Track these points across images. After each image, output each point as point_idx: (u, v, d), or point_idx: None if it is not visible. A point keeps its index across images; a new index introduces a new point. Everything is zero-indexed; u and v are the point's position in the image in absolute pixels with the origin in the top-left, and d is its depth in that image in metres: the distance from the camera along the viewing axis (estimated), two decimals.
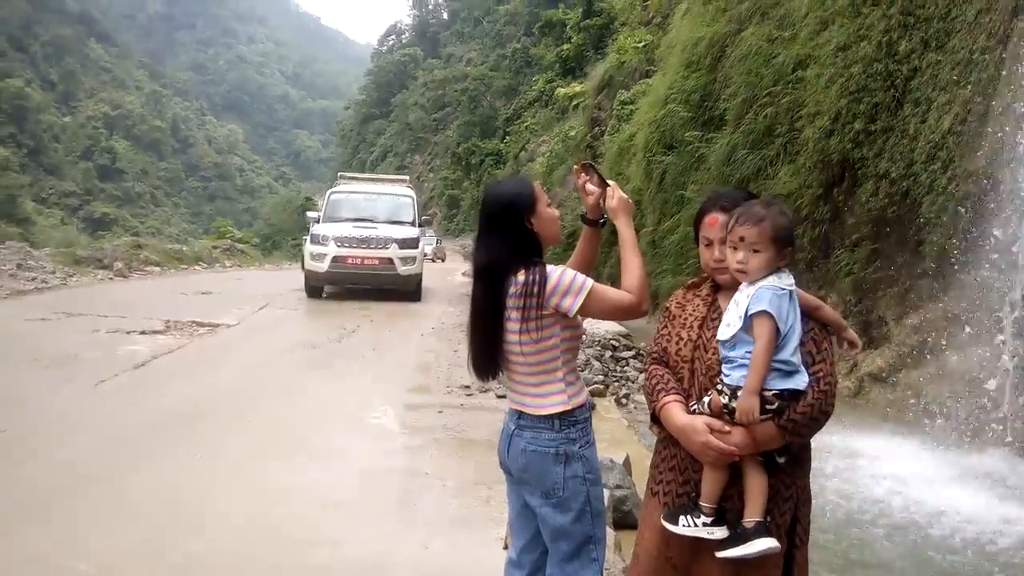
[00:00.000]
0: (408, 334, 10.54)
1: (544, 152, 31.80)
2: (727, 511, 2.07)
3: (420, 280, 13.96)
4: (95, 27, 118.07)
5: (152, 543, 3.81)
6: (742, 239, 2.06)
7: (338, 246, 13.14)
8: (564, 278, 2.31)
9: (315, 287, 13.85)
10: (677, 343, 2.21)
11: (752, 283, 2.06)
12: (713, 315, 2.19)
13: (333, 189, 15.68)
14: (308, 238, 14.11)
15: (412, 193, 15.74)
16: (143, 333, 9.52)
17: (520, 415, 2.42)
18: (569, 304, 2.30)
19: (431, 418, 6.36)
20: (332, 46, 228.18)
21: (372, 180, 18.06)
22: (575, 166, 2.57)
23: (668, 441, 2.21)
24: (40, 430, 5.61)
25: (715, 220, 2.19)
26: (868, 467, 5.54)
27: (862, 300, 7.82)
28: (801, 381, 2.01)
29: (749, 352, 2.02)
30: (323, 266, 13.13)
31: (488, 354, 2.43)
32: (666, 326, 2.28)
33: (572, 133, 25.58)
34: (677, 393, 2.16)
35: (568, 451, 2.35)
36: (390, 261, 13.28)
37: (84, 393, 6.68)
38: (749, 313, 2.02)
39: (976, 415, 6.00)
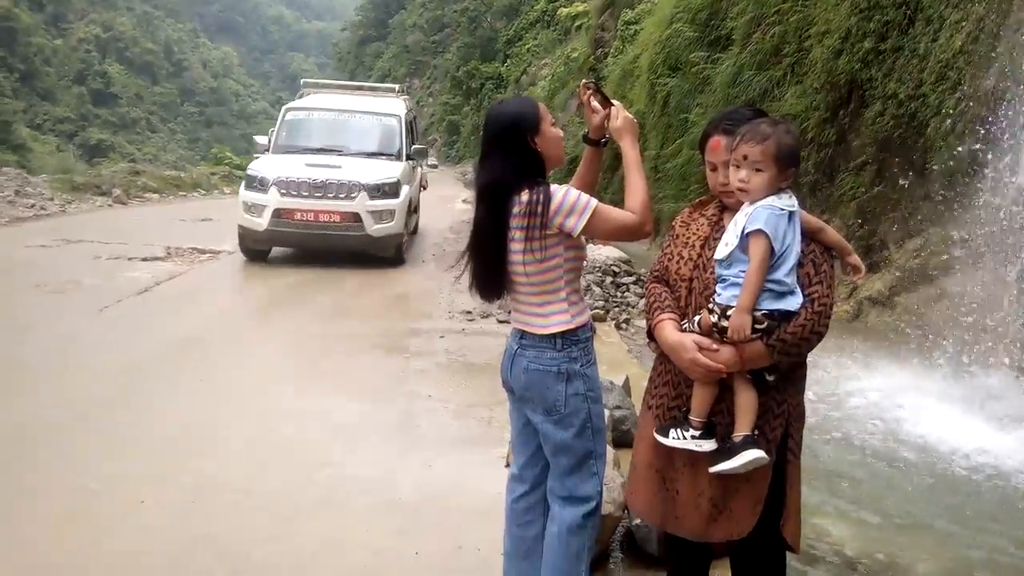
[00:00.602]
0: (410, 261, 10.54)
1: (546, 75, 31.16)
2: (717, 425, 2.11)
3: (402, 240, 10.08)
4: None
5: (162, 464, 3.90)
6: (745, 157, 2.03)
7: (282, 194, 9.25)
8: (568, 197, 2.29)
9: (254, 250, 9.82)
10: (678, 262, 2.22)
11: (753, 202, 2.04)
12: (716, 235, 2.18)
13: (290, 105, 11.43)
14: (244, 179, 10.24)
15: (402, 110, 11.21)
16: (144, 260, 9.52)
17: (523, 335, 2.44)
18: (573, 224, 2.28)
19: (433, 343, 6.42)
20: None
21: (350, 89, 13.32)
22: (580, 85, 2.51)
23: (663, 357, 2.24)
24: (46, 357, 5.67)
25: (717, 143, 2.16)
26: (863, 389, 5.61)
27: (865, 224, 7.77)
28: (794, 302, 2.02)
29: (743, 271, 2.02)
30: (261, 222, 9.32)
31: (492, 275, 2.43)
32: (669, 244, 2.29)
33: (575, 55, 24.99)
34: (672, 311, 2.18)
35: (570, 369, 2.37)
36: (356, 217, 9.31)
37: (88, 319, 6.72)
38: (745, 232, 2.01)
39: (975, 337, 6.03)
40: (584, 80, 2.50)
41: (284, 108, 11.44)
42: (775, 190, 2.04)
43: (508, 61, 48.97)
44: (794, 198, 2.06)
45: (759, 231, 1.99)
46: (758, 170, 2.02)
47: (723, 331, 2.03)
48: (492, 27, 60.47)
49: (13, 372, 5.27)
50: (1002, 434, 4.80)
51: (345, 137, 10.56)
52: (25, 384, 5.03)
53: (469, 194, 30.52)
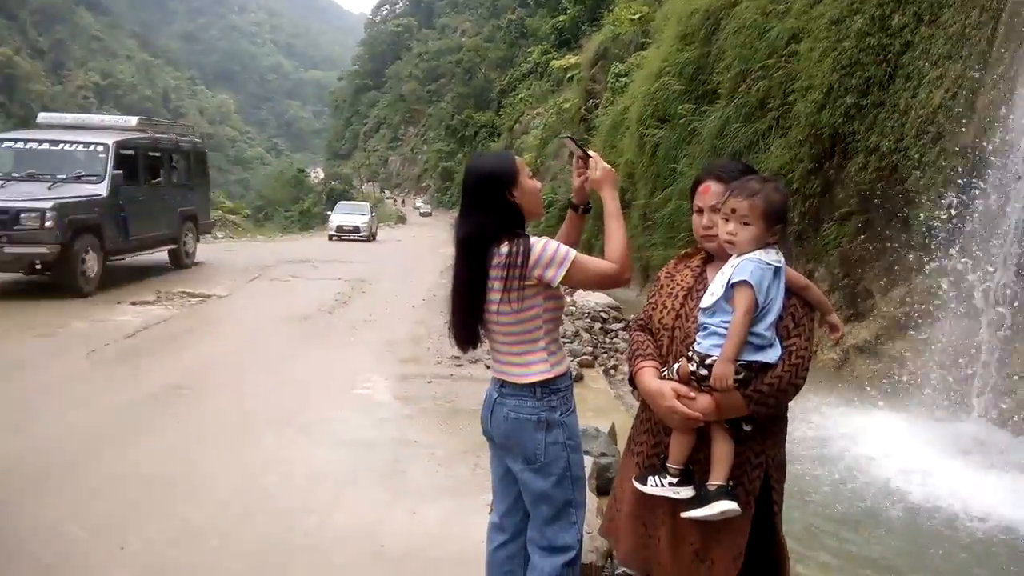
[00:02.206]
0: (400, 306, 10.58)
1: (538, 124, 31.62)
2: (694, 474, 2.12)
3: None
4: None
5: (145, 510, 3.87)
6: (734, 211, 2.08)
7: None
8: (547, 249, 2.34)
9: None
10: (661, 311, 2.27)
11: (740, 255, 2.09)
12: (699, 286, 2.22)
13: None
14: None
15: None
16: (133, 303, 9.53)
17: (503, 383, 2.46)
18: (552, 275, 2.33)
19: (420, 388, 6.42)
20: (325, 16, 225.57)
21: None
22: (561, 138, 2.60)
23: (644, 404, 2.27)
24: (32, 401, 5.65)
25: (708, 188, 2.23)
26: (850, 438, 5.62)
27: (849, 273, 7.87)
28: (772, 355, 2.05)
29: (725, 322, 2.05)
30: None
31: (468, 324, 2.46)
32: (655, 295, 2.34)
33: (566, 105, 25.44)
34: (653, 358, 2.21)
35: (549, 418, 2.40)
36: None
37: (76, 363, 6.71)
38: (731, 282, 2.05)
39: (958, 386, 6.08)
40: (562, 134, 2.59)
41: None
42: (762, 245, 2.08)
43: (501, 110, 49.73)
44: (781, 255, 2.11)
45: (745, 282, 2.02)
46: (745, 224, 2.07)
47: (701, 379, 2.06)
48: (486, 77, 61.61)
49: None
50: (987, 482, 4.82)
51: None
52: (9, 427, 5.00)
53: None
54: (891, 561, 3.86)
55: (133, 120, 12.81)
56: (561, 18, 39.11)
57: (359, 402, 6.01)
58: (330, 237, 27.62)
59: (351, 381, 6.54)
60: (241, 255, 17.38)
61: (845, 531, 4.21)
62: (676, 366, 2.13)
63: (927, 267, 6.76)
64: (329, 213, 31.52)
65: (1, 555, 3.37)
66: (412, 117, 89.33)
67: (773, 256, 2.08)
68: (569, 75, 28.96)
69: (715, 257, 2.26)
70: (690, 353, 2.12)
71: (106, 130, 11.99)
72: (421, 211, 62.24)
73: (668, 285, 2.30)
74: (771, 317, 2.05)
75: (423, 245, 26.75)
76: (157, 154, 12.59)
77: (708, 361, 2.05)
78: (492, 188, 2.40)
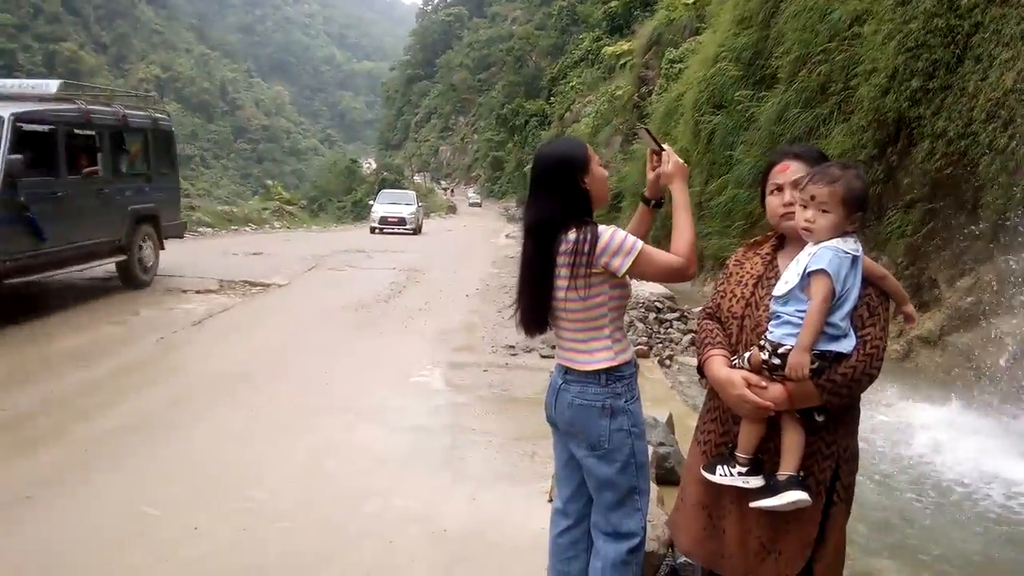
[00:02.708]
0: (454, 295, 10.67)
1: (589, 112, 31.43)
2: (764, 463, 2.11)
3: None
4: None
5: (215, 492, 4.01)
6: (813, 197, 2.05)
7: None
8: (615, 238, 2.34)
9: None
10: (731, 299, 2.25)
11: (817, 243, 2.06)
12: (769, 274, 2.20)
13: None
14: None
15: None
16: (198, 292, 9.81)
17: (567, 370, 2.47)
18: (619, 264, 2.33)
19: (476, 377, 6.48)
20: (377, 6, 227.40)
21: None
22: (638, 128, 2.59)
23: (712, 393, 2.27)
24: (106, 385, 5.88)
25: (787, 166, 2.19)
26: (914, 430, 5.50)
27: (914, 263, 7.66)
28: (847, 345, 2.02)
29: (799, 310, 2.03)
30: None
31: (536, 310, 2.48)
32: (723, 283, 2.32)
33: (618, 93, 25.23)
34: (723, 347, 2.20)
35: (614, 405, 2.40)
36: None
37: (146, 349, 6.95)
38: (807, 271, 2.02)
39: None
40: (638, 124, 2.59)
41: None
42: (841, 233, 2.05)
43: (552, 99, 49.52)
44: (859, 244, 2.06)
45: (822, 271, 1.99)
46: (824, 211, 2.03)
47: (773, 368, 2.04)
48: (537, 66, 61.38)
49: (75, 398, 5.47)
50: None
51: None
52: (85, 411, 5.22)
53: (512, 229, 30.74)
54: (948, 559, 3.77)
55: (54, 85, 9.25)
56: (613, 4, 38.70)
57: (416, 389, 6.10)
58: (372, 230, 25.53)
59: (407, 369, 6.64)
60: (298, 245, 17.73)
61: (899, 527, 4.13)
62: (747, 355, 2.11)
63: (997, 256, 6.55)
64: (372, 203, 29.23)
65: (77, 533, 3.53)
66: (463, 106, 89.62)
67: (851, 244, 2.03)
68: (621, 62, 28.68)
69: (786, 244, 2.24)
70: (762, 342, 2.09)
71: (12, 100, 8.58)
72: (471, 201, 61.32)
73: (738, 273, 2.28)
74: (847, 307, 2.02)
75: (474, 235, 26.91)
76: (91, 133, 9.27)
77: (781, 350, 2.03)
78: (563, 174, 2.41)
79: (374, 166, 76.67)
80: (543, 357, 7.12)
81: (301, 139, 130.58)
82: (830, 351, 2.01)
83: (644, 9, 31.14)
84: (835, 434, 2.10)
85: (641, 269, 2.36)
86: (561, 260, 2.37)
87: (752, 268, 2.26)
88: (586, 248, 2.32)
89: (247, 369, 6.45)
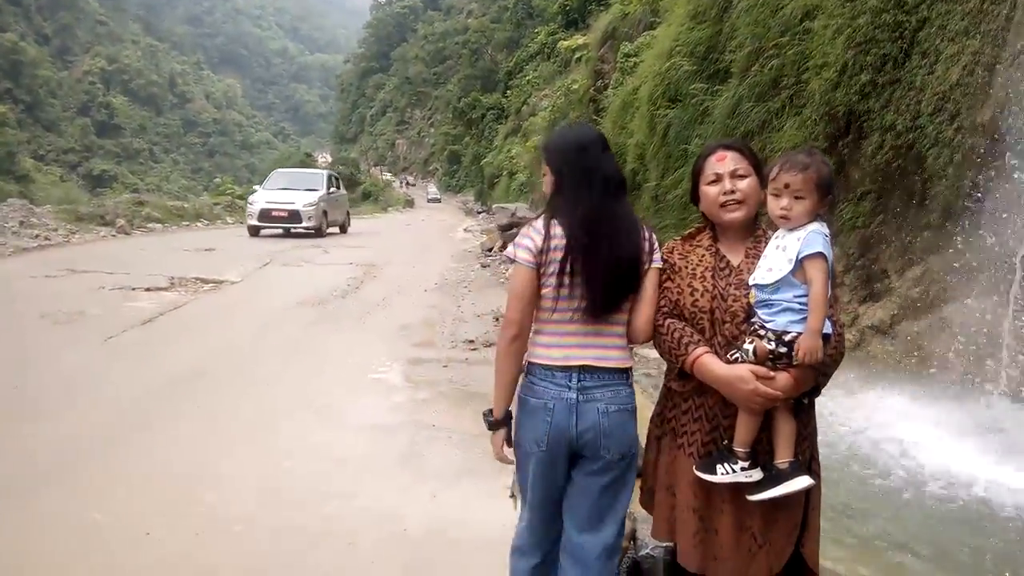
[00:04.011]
0: (412, 290, 10.59)
1: (546, 106, 31.45)
2: (758, 454, 2.13)
3: None
4: None
5: (168, 496, 3.90)
6: (787, 186, 2.10)
7: None
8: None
9: None
10: (692, 294, 2.22)
11: (793, 229, 2.11)
12: (721, 265, 2.22)
13: None
14: None
15: None
16: (148, 290, 9.57)
17: (586, 374, 2.21)
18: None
19: (436, 372, 6.44)
20: None
21: None
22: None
23: (693, 392, 2.21)
24: (53, 388, 5.69)
25: (723, 156, 2.22)
26: (865, 417, 5.61)
27: (865, 253, 7.81)
28: (829, 326, 2.08)
29: (797, 296, 2.06)
30: None
31: (621, 291, 2.27)
32: (670, 278, 2.28)
33: (575, 86, 25.26)
34: (705, 344, 2.16)
35: (634, 406, 2.31)
36: None
37: (93, 350, 6.75)
38: (801, 256, 2.05)
39: (977, 366, 6.04)
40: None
41: None
42: (814, 217, 2.11)
43: (508, 92, 49.45)
44: (825, 226, 2.13)
45: (820, 254, 2.04)
46: (799, 198, 2.09)
47: (778, 357, 2.06)
48: (493, 59, 61.24)
49: (20, 402, 5.28)
50: (1002, 465, 4.79)
51: None
52: (32, 414, 5.04)
53: (471, 223, 30.67)
54: (901, 540, 3.84)
55: None
56: None
57: (375, 386, 6.03)
58: (252, 230, 18.29)
59: (367, 365, 6.56)
60: (252, 240, 17.41)
61: (858, 510, 4.20)
62: (750, 347, 2.08)
63: (945, 246, 6.70)
64: (256, 189, 21.08)
65: (24, 543, 3.41)
66: (419, 100, 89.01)
67: (825, 228, 2.12)
68: (577, 56, 28.76)
69: (722, 235, 2.26)
70: (761, 332, 2.08)
71: None
72: (430, 196, 59.77)
73: (687, 267, 2.26)
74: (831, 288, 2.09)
75: (432, 229, 26.76)
76: None
77: (788, 338, 2.05)
78: (610, 154, 2.37)
79: (329, 160, 75.68)
80: None
81: (254, 132, 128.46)
82: (824, 335, 2.07)
83: (599, 3, 31.24)
84: (809, 415, 2.18)
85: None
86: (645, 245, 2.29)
87: (701, 261, 2.25)
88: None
89: (200, 368, 6.30)
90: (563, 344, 2.24)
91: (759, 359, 2.06)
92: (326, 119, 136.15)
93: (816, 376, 2.09)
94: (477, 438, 4.85)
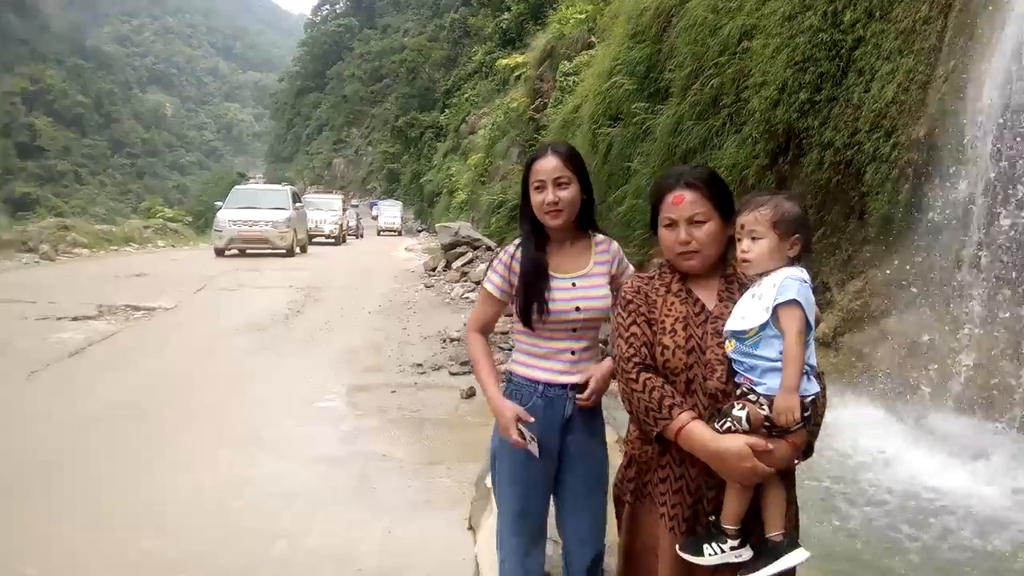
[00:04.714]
0: (356, 313, 10.35)
1: (486, 124, 31.49)
2: (749, 530, 1.92)
3: None
4: None
5: (103, 541, 3.64)
6: (743, 226, 1.96)
7: None
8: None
9: None
10: (663, 352, 1.96)
11: (767, 274, 1.92)
12: (696, 310, 1.99)
13: None
14: None
15: None
16: (75, 319, 9.10)
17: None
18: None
19: (384, 399, 6.25)
20: (264, 17, 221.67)
21: None
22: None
23: (670, 460, 1.98)
24: None
25: (681, 197, 2.00)
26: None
27: (808, 268, 7.94)
28: (815, 384, 1.89)
29: (783, 353, 1.85)
30: None
31: None
32: (634, 323, 2.02)
33: (514, 105, 25.35)
34: (688, 406, 1.91)
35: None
36: None
37: (16, 386, 6.34)
38: (776, 303, 1.84)
39: (917, 375, 6.16)
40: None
41: None
42: (784, 260, 1.93)
43: (447, 110, 49.47)
44: (806, 272, 1.94)
45: (793, 302, 1.84)
46: (755, 238, 1.93)
47: (773, 424, 1.84)
48: (431, 77, 61.23)
49: None
50: (948, 471, 4.87)
51: None
52: None
53: (412, 241, 30.41)
54: (848, 551, 3.83)
55: None
56: (504, 17, 38.99)
57: (322, 415, 5.80)
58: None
59: (311, 394, 6.32)
60: (186, 264, 16.86)
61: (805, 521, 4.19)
62: (742, 413, 1.83)
63: (883, 260, 6.85)
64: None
65: None
66: (356, 118, 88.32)
67: (806, 274, 1.93)
68: (516, 74, 28.89)
69: (689, 279, 2.06)
70: (752, 396, 1.85)
71: None
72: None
73: (648, 313, 2.01)
74: (812, 340, 1.88)
75: (372, 247, 26.42)
76: None
77: (779, 393, 1.85)
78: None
79: (264, 180, 74.33)
80: (452, 375, 6.94)
81: (185, 153, 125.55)
82: (814, 393, 1.88)
83: (536, 22, 31.51)
84: (792, 475, 1.98)
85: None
86: (602, 259, 2.47)
87: (671, 309, 2.00)
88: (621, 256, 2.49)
89: (134, 401, 5.97)
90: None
91: (753, 427, 1.83)
92: (260, 138, 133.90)
93: (812, 439, 1.92)
94: (431, 466, 4.71)
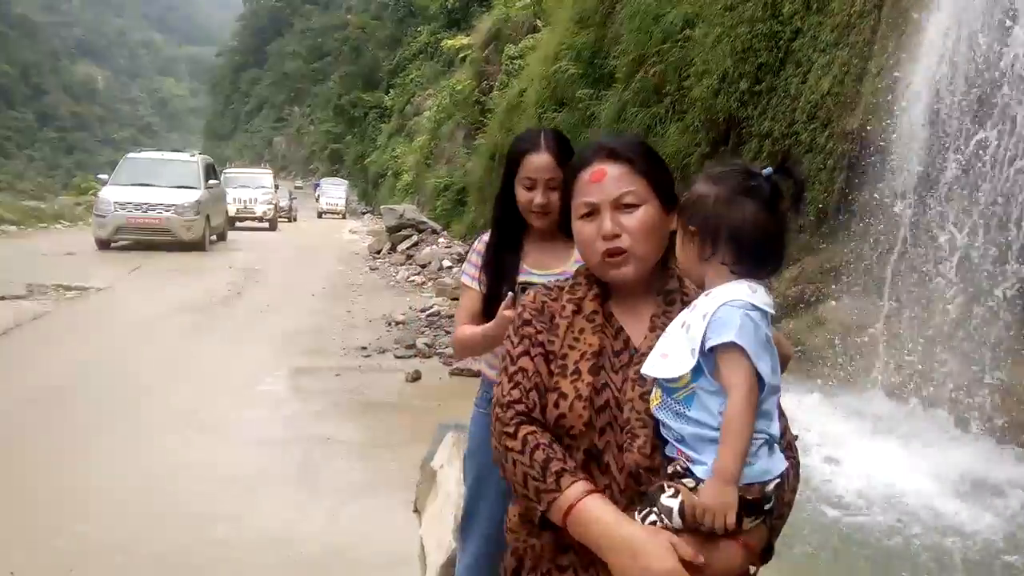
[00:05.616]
0: (299, 295, 10.22)
1: (431, 106, 31.19)
2: None
3: None
4: None
5: (35, 529, 3.54)
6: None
7: None
8: None
9: None
10: (558, 402, 1.32)
11: (706, 291, 1.29)
12: (617, 346, 1.37)
13: None
14: None
15: None
16: (3, 298, 8.76)
17: None
18: None
19: (328, 381, 6.21)
20: None
21: None
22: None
23: (575, 561, 1.31)
24: None
25: (602, 173, 1.38)
26: None
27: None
28: (781, 461, 1.28)
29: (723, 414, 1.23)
30: None
31: None
32: (526, 353, 1.38)
33: (459, 87, 25.17)
34: (585, 478, 1.28)
35: None
36: None
37: None
38: (708, 347, 1.22)
39: (854, 361, 6.39)
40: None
41: None
42: (726, 273, 1.28)
43: (392, 91, 48.80)
44: (768, 294, 1.31)
45: (732, 345, 1.20)
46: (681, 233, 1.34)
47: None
48: (375, 56, 60.24)
49: None
50: (881, 452, 5.08)
51: None
52: None
53: (356, 224, 30.03)
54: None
55: None
56: None
57: (265, 398, 5.74)
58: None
59: (253, 376, 6.24)
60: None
61: None
62: (673, 502, 1.22)
63: (818, 248, 7.07)
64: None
65: None
66: (297, 96, 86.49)
67: (762, 296, 1.27)
68: (461, 56, 28.66)
69: (614, 293, 1.43)
70: (687, 481, 1.23)
71: None
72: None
73: (549, 342, 1.38)
74: (776, 397, 1.30)
75: (316, 229, 26.04)
76: None
77: (706, 483, 1.24)
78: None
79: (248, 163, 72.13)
80: (397, 358, 6.93)
81: (117, 128, 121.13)
82: (780, 475, 1.26)
83: (481, 4, 31.29)
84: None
85: None
86: None
87: (577, 338, 1.37)
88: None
89: (66, 384, 5.81)
90: None
91: (688, 524, 1.22)
92: (197, 114, 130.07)
93: (773, 537, 1.33)
94: (376, 449, 4.71)
